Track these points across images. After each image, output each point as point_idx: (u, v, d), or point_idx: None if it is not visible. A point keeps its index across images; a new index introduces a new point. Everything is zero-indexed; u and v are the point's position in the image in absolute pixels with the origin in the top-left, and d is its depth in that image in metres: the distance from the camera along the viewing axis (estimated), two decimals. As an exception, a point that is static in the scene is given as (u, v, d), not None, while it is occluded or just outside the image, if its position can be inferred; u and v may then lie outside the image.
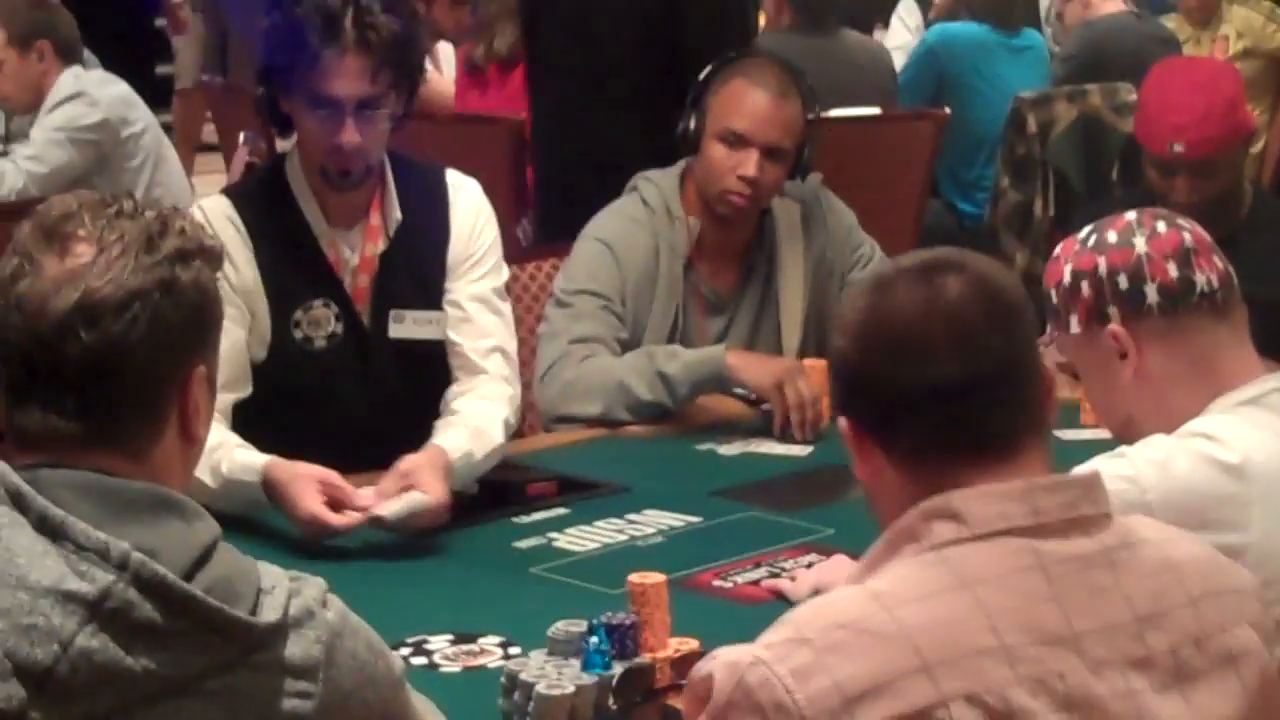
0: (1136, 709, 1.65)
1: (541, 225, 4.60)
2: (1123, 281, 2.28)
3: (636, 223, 3.59)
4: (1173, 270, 2.26)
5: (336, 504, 2.77)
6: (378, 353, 3.14)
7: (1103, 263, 2.29)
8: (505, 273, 3.26)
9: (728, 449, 3.35)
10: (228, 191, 3.24)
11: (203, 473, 2.71)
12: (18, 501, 1.63)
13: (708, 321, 3.61)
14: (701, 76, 3.59)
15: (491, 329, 3.17)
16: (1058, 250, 2.36)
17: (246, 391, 3.06)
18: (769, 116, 3.50)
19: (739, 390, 3.49)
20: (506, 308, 3.24)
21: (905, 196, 5.64)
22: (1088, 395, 2.55)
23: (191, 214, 1.80)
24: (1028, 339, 1.76)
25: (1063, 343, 2.37)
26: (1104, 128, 5.94)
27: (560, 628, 2.26)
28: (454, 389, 3.12)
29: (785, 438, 3.32)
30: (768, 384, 3.35)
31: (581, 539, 2.86)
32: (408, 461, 2.83)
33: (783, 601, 2.51)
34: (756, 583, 2.64)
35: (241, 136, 5.77)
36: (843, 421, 1.78)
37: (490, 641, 2.43)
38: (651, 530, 2.90)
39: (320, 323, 3.12)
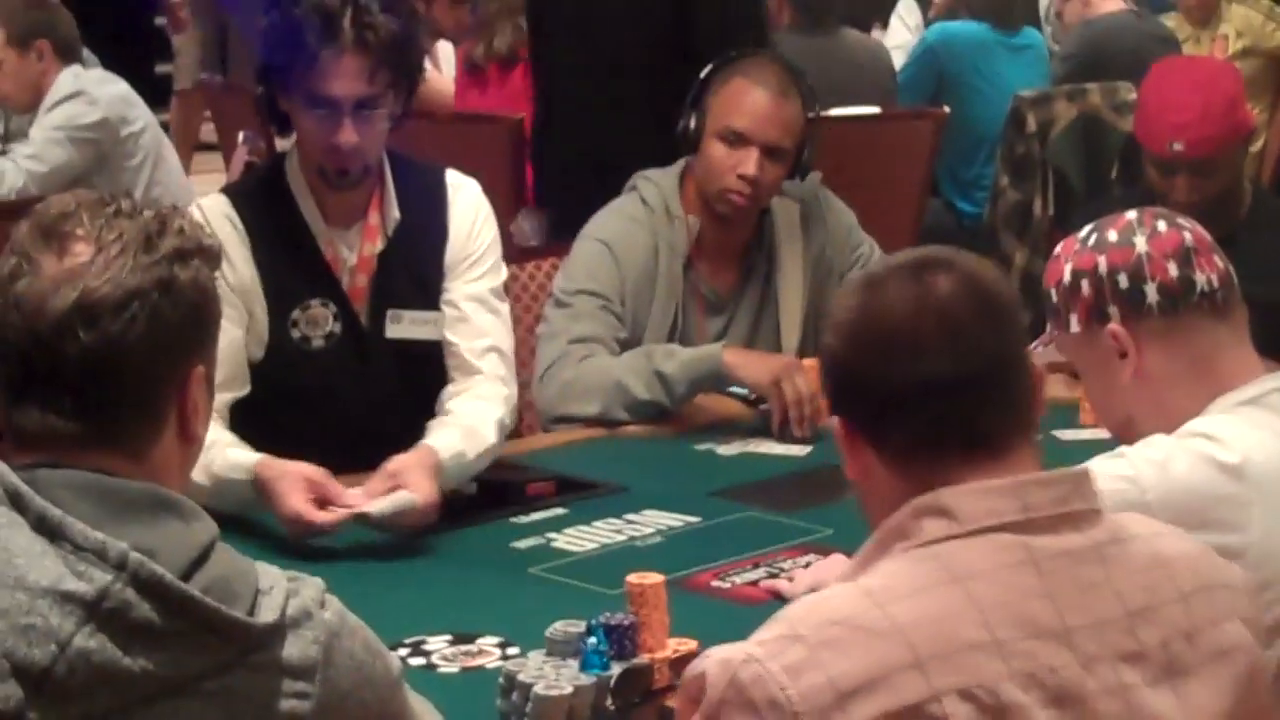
0: (1128, 703, 1.66)
1: (555, 227, 4.59)
2: (1123, 281, 2.27)
3: (636, 222, 3.58)
4: (1173, 270, 2.26)
5: (323, 502, 2.77)
6: (376, 352, 3.14)
7: (1103, 262, 2.29)
8: (504, 273, 3.26)
9: (726, 449, 3.34)
10: (226, 190, 3.24)
11: (196, 472, 2.70)
12: (16, 501, 1.63)
13: (707, 321, 3.61)
14: (702, 75, 3.59)
15: (488, 329, 3.16)
16: (1058, 249, 2.36)
17: (243, 391, 3.05)
18: (769, 115, 3.50)
19: (737, 390, 3.48)
20: (504, 308, 3.23)
21: (905, 196, 5.64)
22: (1087, 395, 2.55)
23: (190, 213, 1.80)
24: (1017, 337, 1.76)
25: (1062, 342, 2.37)
26: (1103, 127, 5.94)
27: (558, 628, 2.26)
28: (449, 389, 3.12)
29: (784, 435, 3.32)
30: (766, 380, 3.35)
31: (580, 539, 2.86)
32: (396, 461, 2.83)
33: (781, 602, 2.50)
34: (755, 583, 2.64)
35: (240, 136, 5.77)
36: (835, 420, 1.79)
37: (488, 642, 2.43)
38: (650, 530, 2.90)
39: (318, 322, 3.12)
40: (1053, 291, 2.34)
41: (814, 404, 3.29)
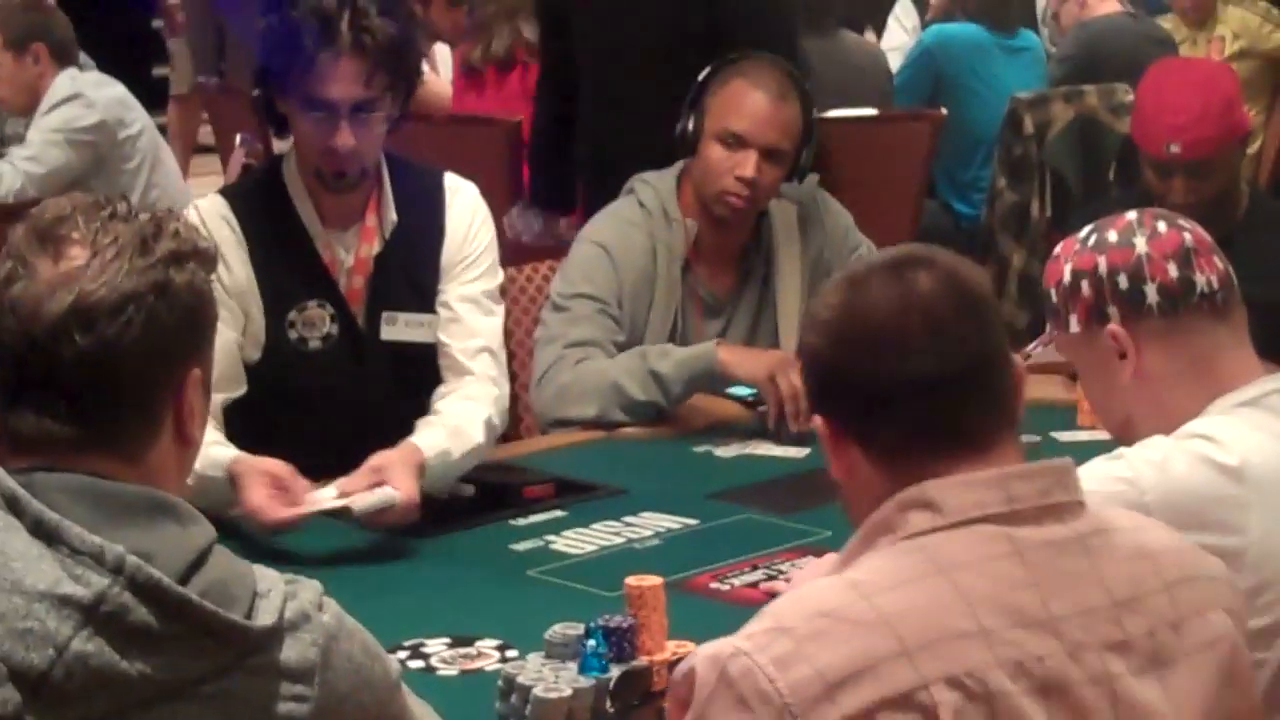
0: (1114, 692, 1.67)
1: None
2: (1123, 281, 2.27)
3: (633, 225, 3.58)
4: (1173, 270, 2.26)
5: (290, 499, 2.76)
6: (372, 354, 3.14)
7: (1103, 262, 2.28)
8: (500, 275, 3.26)
9: (725, 451, 3.34)
10: (224, 191, 3.24)
11: None
12: (13, 505, 1.63)
13: (705, 323, 3.60)
14: (700, 78, 3.59)
15: (480, 330, 3.16)
16: (1058, 250, 2.36)
17: (238, 391, 3.06)
18: (768, 117, 3.50)
19: (735, 392, 3.48)
20: (499, 309, 3.23)
21: (902, 197, 5.64)
22: (1086, 395, 2.55)
23: (185, 216, 1.80)
24: (998, 332, 1.77)
25: (1062, 342, 2.37)
26: (1101, 128, 5.94)
27: (557, 630, 2.26)
28: (440, 389, 3.12)
29: (780, 430, 3.31)
30: (761, 375, 3.34)
31: (578, 541, 2.86)
32: (380, 457, 2.83)
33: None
34: (754, 585, 2.64)
35: (238, 138, 5.77)
36: (818, 420, 1.79)
37: (487, 644, 2.43)
38: (649, 533, 2.90)
39: (315, 323, 3.12)
40: (1052, 292, 2.33)
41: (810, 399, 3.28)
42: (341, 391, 3.13)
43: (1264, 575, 2.13)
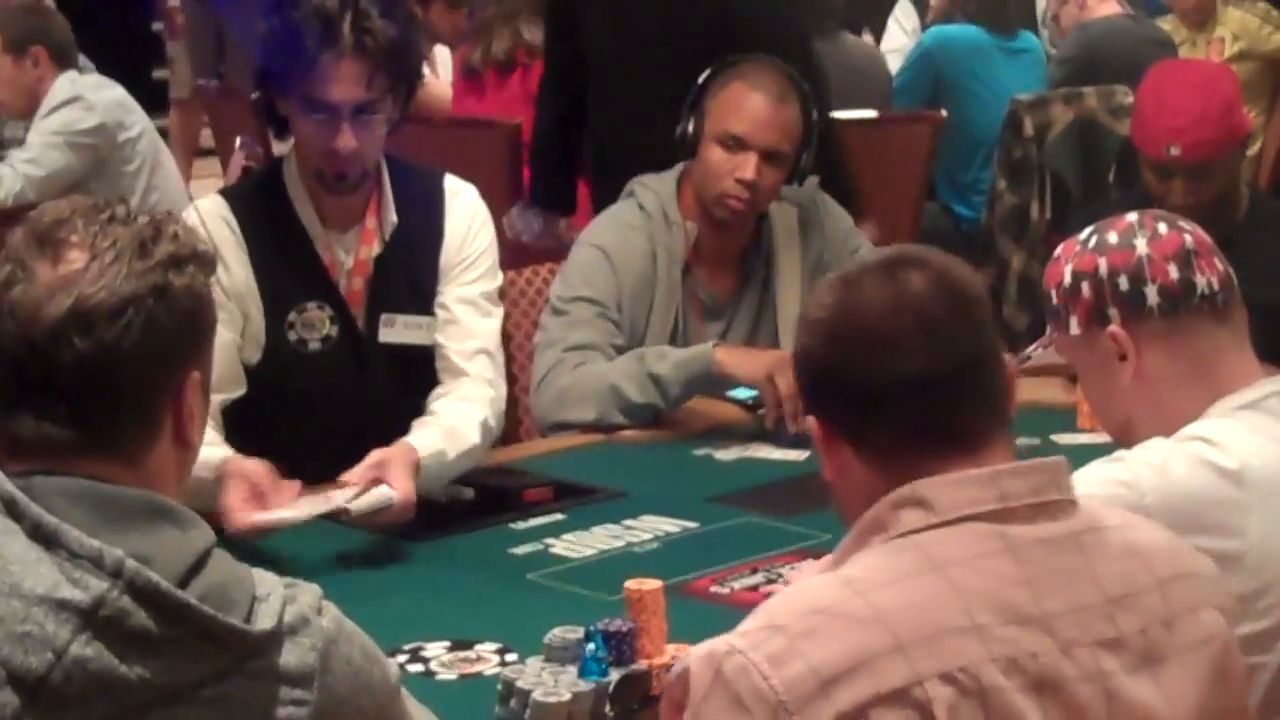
0: (1107, 689, 1.68)
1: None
2: (1123, 283, 2.27)
3: (633, 228, 3.58)
4: (1173, 272, 2.26)
5: (259, 504, 2.75)
6: (372, 356, 3.14)
7: (1103, 264, 2.28)
8: (499, 277, 3.26)
9: (725, 454, 3.34)
10: (224, 192, 3.24)
11: None
12: (11, 509, 1.63)
13: (705, 326, 3.60)
14: (700, 80, 3.59)
15: (478, 331, 3.16)
16: (1058, 251, 2.36)
17: (236, 393, 3.06)
18: (768, 120, 3.49)
19: (735, 395, 3.48)
20: (498, 311, 3.23)
21: (902, 199, 5.64)
22: (1086, 397, 2.55)
23: (185, 219, 1.79)
24: (991, 332, 1.78)
25: (1062, 344, 2.37)
26: (1100, 130, 5.93)
27: (557, 634, 2.26)
28: (437, 390, 3.12)
29: (778, 429, 3.31)
30: (759, 375, 3.34)
31: (578, 545, 2.85)
32: (380, 453, 2.83)
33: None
34: (754, 588, 2.63)
35: (238, 141, 5.77)
36: (811, 420, 1.80)
37: (487, 648, 2.43)
38: (648, 536, 2.89)
39: (314, 325, 3.12)
40: (1053, 293, 2.33)
41: None
42: (341, 393, 3.13)
43: (1264, 578, 2.13)
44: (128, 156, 5.52)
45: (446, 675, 2.36)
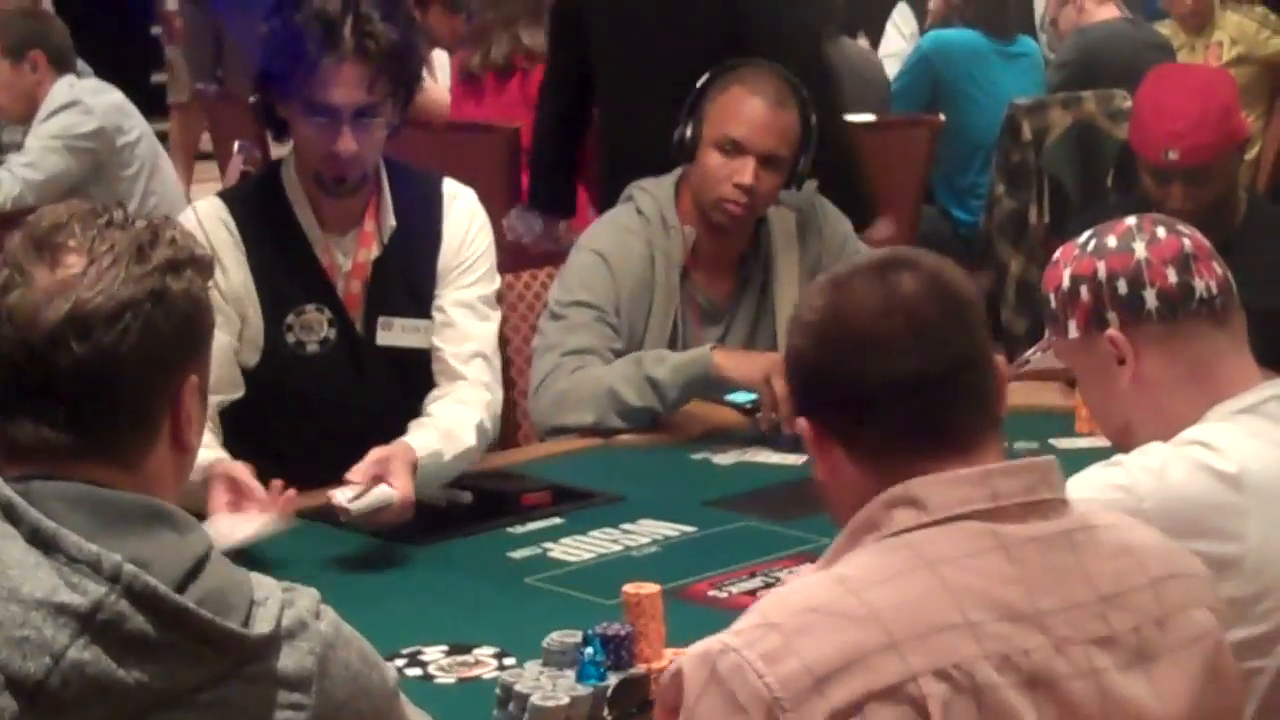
0: (1100, 686, 1.68)
1: None
2: (1122, 286, 2.27)
3: (631, 232, 3.58)
4: (1172, 276, 2.26)
5: (241, 506, 2.74)
6: (370, 359, 3.14)
7: (1102, 267, 2.28)
8: (497, 281, 3.26)
9: (722, 458, 3.34)
10: (222, 194, 3.24)
11: None
12: (9, 514, 1.63)
13: (704, 330, 3.60)
14: (699, 84, 3.59)
15: (474, 335, 3.16)
16: (1057, 255, 2.36)
17: (234, 395, 3.06)
18: (766, 124, 3.49)
19: (733, 398, 3.48)
20: (495, 315, 3.23)
21: (900, 203, 5.63)
22: (1085, 401, 2.55)
23: (182, 223, 1.79)
24: (982, 334, 1.79)
25: (1060, 348, 2.37)
26: (1099, 134, 5.94)
27: (555, 638, 2.26)
28: (433, 393, 3.12)
29: (774, 431, 3.31)
30: (757, 378, 3.34)
31: (576, 549, 2.85)
32: (381, 450, 2.82)
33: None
34: (752, 592, 2.63)
35: (236, 145, 5.77)
36: (802, 422, 1.80)
37: (485, 652, 2.43)
38: (646, 540, 2.89)
39: (312, 327, 3.12)
40: (1051, 297, 2.33)
41: None
42: (338, 395, 3.13)
43: (1262, 582, 2.13)
44: (126, 161, 5.52)
45: (445, 679, 2.36)
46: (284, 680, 1.64)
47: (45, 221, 1.70)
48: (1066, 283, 2.31)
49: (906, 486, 1.71)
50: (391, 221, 3.14)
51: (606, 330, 3.49)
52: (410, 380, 3.14)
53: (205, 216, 3.08)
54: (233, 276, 3.06)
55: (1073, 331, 2.31)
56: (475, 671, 2.38)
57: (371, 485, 2.78)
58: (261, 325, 3.09)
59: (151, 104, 7.01)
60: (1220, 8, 7.06)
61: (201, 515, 2.60)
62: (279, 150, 3.48)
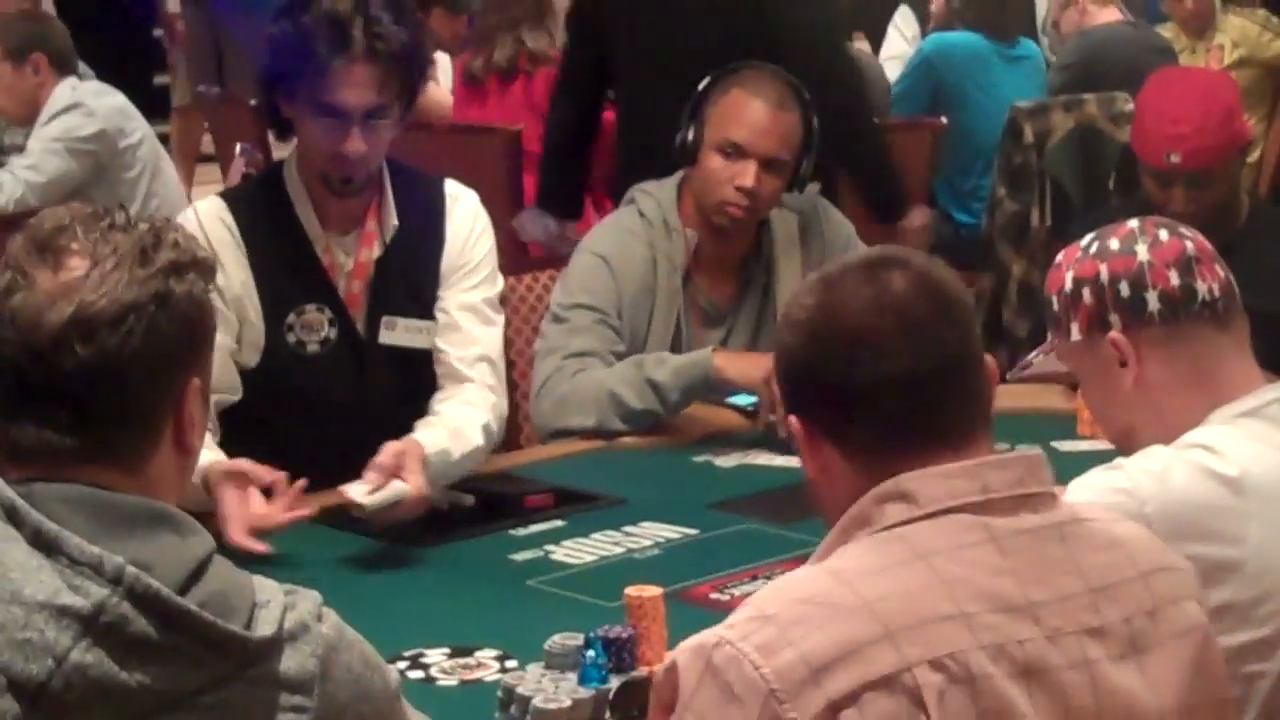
0: (1092, 677, 1.69)
1: None
2: (1124, 289, 2.27)
3: (633, 235, 3.58)
4: (1174, 278, 2.26)
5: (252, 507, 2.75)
6: (371, 359, 3.15)
7: (1104, 270, 2.28)
8: (500, 283, 3.26)
9: (725, 461, 3.34)
10: (223, 194, 3.24)
11: None
12: (12, 516, 1.63)
13: (706, 333, 3.60)
14: (700, 87, 3.59)
15: (479, 338, 3.17)
16: (1059, 257, 2.36)
17: (230, 398, 3.06)
18: (767, 127, 3.49)
19: (735, 401, 3.48)
20: (499, 318, 3.23)
21: (902, 206, 5.63)
22: (1087, 403, 2.55)
23: (182, 223, 1.79)
24: (972, 332, 1.80)
25: (1063, 351, 2.37)
26: (1101, 137, 5.93)
27: (557, 641, 2.26)
28: (438, 395, 3.12)
29: (772, 431, 3.30)
30: (757, 378, 3.34)
31: (578, 551, 2.85)
32: (395, 445, 2.82)
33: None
34: (754, 595, 2.63)
35: (238, 148, 5.77)
36: (792, 419, 1.81)
37: (487, 655, 2.43)
38: (648, 543, 2.89)
39: (314, 327, 3.12)
40: (1053, 299, 2.33)
41: None
42: (340, 395, 3.13)
43: (1263, 586, 2.13)
44: (128, 163, 5.52)
45: (447, 682, 2.36)
46: (286, 683, 1.64)
47: (47, 224, 1.70)
48: (1069, 285, 2.31)
49: (898, 481, 1.72)
50: (394, 221, 3.14)
51: (608, 333, 3.49)
52: (411, 380, 3.14)
53: (205, 216, 3.08)
54: (233, 276, 3.06)
55: (1075, 334, 2.31)
56: (477, 674, 2.38)
57: (385, 480, 2.78)
58: (262, 325, 3.09)
59: (153, 106, 7.02)
60: (1222, 11, 7.06)
61: (202, 517, 2.60)
62: (281, 152, 3.48)
